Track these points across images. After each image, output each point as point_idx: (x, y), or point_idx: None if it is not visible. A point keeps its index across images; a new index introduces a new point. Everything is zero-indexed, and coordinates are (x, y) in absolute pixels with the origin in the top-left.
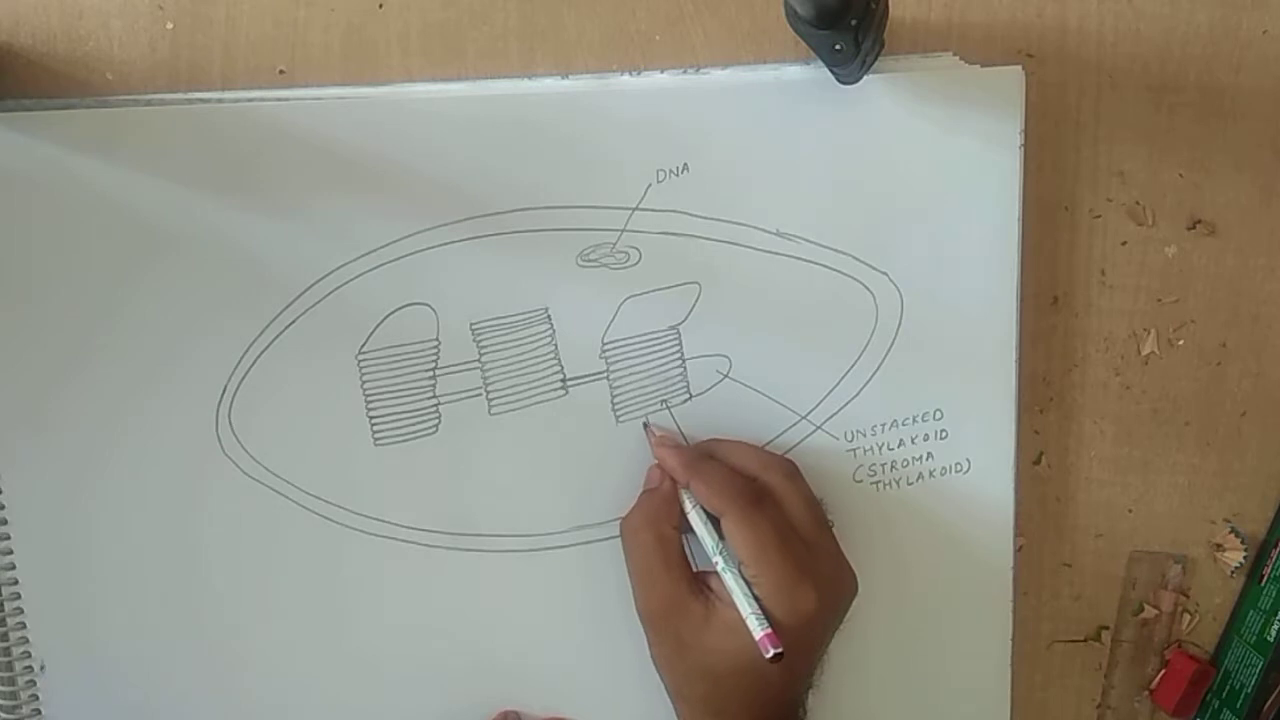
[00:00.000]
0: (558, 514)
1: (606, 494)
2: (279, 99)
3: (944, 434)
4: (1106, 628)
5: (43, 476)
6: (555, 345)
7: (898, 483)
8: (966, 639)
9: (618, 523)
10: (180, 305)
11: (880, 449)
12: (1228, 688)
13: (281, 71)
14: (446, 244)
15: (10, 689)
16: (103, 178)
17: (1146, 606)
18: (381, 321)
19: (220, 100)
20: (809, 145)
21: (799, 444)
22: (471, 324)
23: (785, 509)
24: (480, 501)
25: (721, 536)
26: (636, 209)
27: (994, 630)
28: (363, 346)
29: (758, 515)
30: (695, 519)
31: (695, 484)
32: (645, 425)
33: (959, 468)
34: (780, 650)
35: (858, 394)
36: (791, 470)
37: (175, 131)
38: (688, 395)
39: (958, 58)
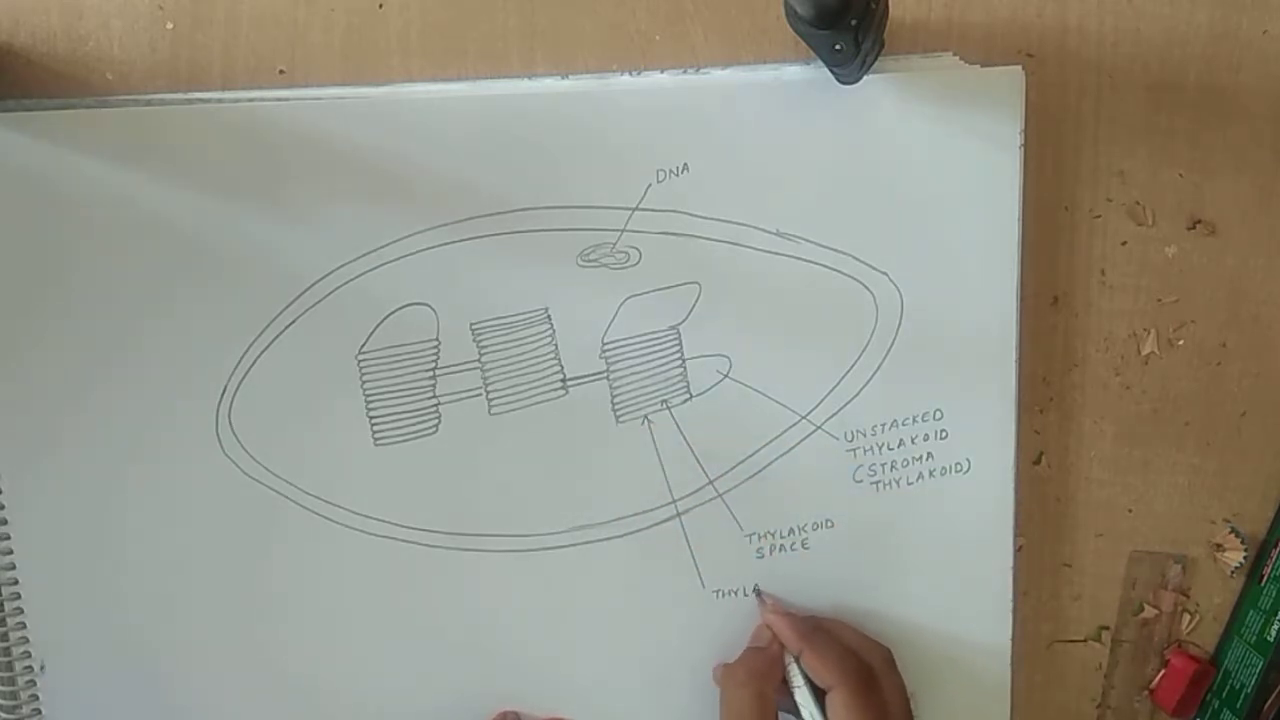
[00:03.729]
0: (557, 514)
1: (606, 494)
2: (279, 99)
3: (944, 434)
4: (1106, 628)
5: (43, 476)
6: (555, 345)
7: (898, 483)
8: (966, 639)
9: (617, 523)
10: (180, 305)
11: (880, 449)
12: (1228, 688)
13: (281, 71)
14: (446, 244)
15: (10, 689)
16: (102, 178)
17: (1146, 606)
18: (381, 321)
19: (220, 100)
20: (809, 145)
21: (799, 444)
22: (471, 324)
23: (885, 697)
24: (480, 501)
25: (822, 707)
26: (636, 209)
27: (994, 630)
28: (363, 346)
29: (864, 698)
30: (801, 688)
31: (808, 655)
32: (758, 593)
33: (959, 468)
34: None
35: (858, 394)
36: (890, 657)
37: (175, 132)
38: (688, 395)
39: (958, 58)
